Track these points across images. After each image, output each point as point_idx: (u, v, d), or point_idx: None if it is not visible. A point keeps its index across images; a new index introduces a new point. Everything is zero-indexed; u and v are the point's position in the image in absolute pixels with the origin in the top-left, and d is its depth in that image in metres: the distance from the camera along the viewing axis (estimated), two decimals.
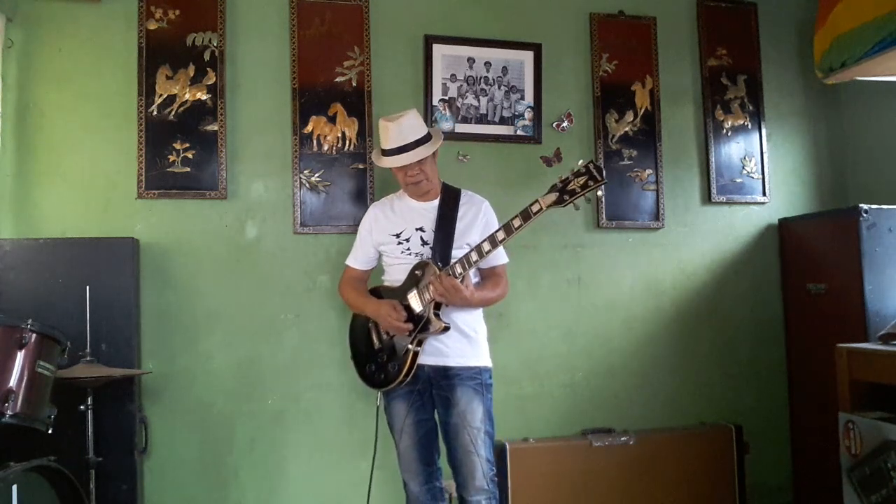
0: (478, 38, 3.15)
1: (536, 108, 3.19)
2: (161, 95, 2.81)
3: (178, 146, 2.82)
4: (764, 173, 3.48)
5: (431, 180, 2.42)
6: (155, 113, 2.81)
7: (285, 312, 2.93)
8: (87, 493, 2.27)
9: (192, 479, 2.81)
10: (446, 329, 2.29)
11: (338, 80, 2.99)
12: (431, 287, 2.26)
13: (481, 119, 3.15)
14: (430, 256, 2.35)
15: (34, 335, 2.03)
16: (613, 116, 3.29)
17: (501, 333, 3.05)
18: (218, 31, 2.87)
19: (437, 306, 2.31)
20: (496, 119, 3.16)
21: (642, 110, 3.33)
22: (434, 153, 2.42)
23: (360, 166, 2.99)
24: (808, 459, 3.34)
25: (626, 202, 3.29)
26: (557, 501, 3.00)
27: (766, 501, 3.35)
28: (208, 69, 2.85)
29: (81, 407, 2.33)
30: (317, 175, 2.95)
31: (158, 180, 2.80)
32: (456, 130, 3.07)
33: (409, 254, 2.40)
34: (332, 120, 2.97)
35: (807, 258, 3.33)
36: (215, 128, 2.85)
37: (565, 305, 3.23)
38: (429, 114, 3.07)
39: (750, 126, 3.48)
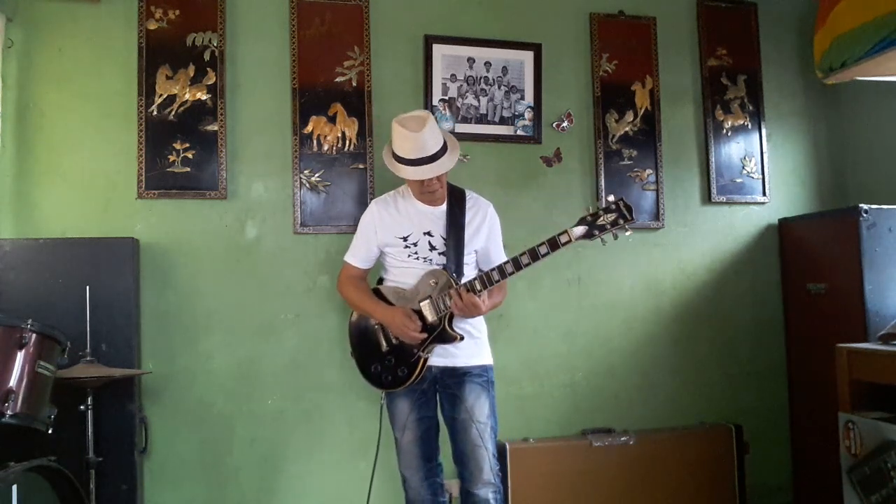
0: (478, 38, 3.15)
1: (536, 108, 3.19)
2: (161, 95, 2.81)
3: (178, 146, 2.82)
4: (764, 173, 3.48)
5: (445, 187, 2.42)
6: (155, 113, 2.81)
7: (285, 312, 2.93)
8: (87, 493, 2.27)
9: (192, 479, 2.81)
10: (461, 339, 2.32)
11: (338, 80, 2.99)
12: (451, 302, 2.27)
13: (481, 119, 3.15)
14: (440, 263, 2.36)
15: (34, 335, 2.03)
16: (613, 116, 3.29)
17: (501, 333, 3.05)
18: (218, 31, 2.87)
19: (451, 317, 2.32)
20: (496, 119, 3.16)
21: (642, 110, 3.33)
22: None
23: (360, 166, 2.99)
24: (808, 459, 3.34)
25: (626, 198, 3.27)
26: (557, 501, 3.00)
27: (766, 501, 3.35)
28: (208, 69, 2.85)
29: (81, 407, 2.33)
30: (317, 175, 2.95)
31: (158, 180, 2.80)
32: (456, 130, 3.07)
33: (417, 258, 2.39)
34: (332, 120, 2.97)
35: (807, 258, 3.33)
36: (215, 128, 2.85)
37: (565, 305, 3.23)
38: (429, 111, 3.06)
39: (750, 126, 3.49)
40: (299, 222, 2.93)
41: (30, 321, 2.02)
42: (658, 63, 3.36)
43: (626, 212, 2.22)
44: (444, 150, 2.32)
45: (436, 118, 3.02)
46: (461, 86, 3.12)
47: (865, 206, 3.00)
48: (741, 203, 3.46)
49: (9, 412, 1.95)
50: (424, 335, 2.30)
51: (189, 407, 2.81)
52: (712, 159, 3.41)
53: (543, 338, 3.19)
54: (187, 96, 2.83)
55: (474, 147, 3.13)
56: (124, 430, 2.57)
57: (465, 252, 2.38)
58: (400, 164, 2.31)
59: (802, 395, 3.37)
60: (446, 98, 3.10)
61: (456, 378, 2.36)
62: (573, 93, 3.28)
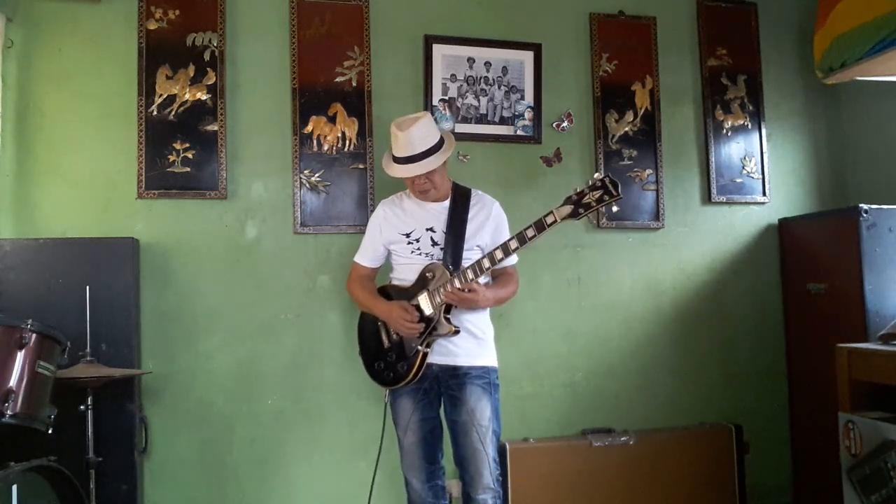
0: (478, 38, 3.15)
1: (536, 108, 3.19)
2: (161, 95, 2.81)
3: (178, 146, 2.82)
4: (764, 173, 3.48)
5: (439, 188, 2.42)
6: (155, 113, 2.81)
7: (285, 312, 2.93)
8: (87, 493, 2.27)
9: (192, 479, 2.81)
10: (456, 332, 2.31)
11: (338, 80, 2.99)
12: (443, 291, 2.27)
13: (481, 119, 3.15)
14: (440, 258, 2.36)
15: (34, 335, 2.03)
16: (613, 116, 3.29)
17: (501, 333, 3.02)
18: (218, 31, 2.87)
19: (448, 309, 2.32)
20: (496, 119, 3.16)
21: (642, 110, 3.33)
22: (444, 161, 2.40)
23: (361, 166, 2.99)
24: (808, 459, 3.34)
25: (626, 202, 3.28)
26: (557, 501, 3.00)
27: (766, 501, 3.35)
28: (208, 69, 2.85)
29: (81, 407, 2.33)
30: (317, 175, 2.95)
31: (158, 180, 2.80)
32: (456, 130, 3.07)
33: (420, 254, 2.40)
34: (332, 120, 2.97)
35: (807, 258, 3.33)
36: (215, 128, 2.85)
37: (565, 305, 3.23)
38: (429, 112, 3.06)
39: (750, 126, 3.48)
40: (299, 222, 2.93)
41: (30, 321, 2.02)
42: (658, 63, 3.36)
43: (611, 188, 2.16)
44: (435, 149, 2.33)
45: (436, 118, 3.05)
46: (461, 86, 3.12)
47: (865, 206, 3.00)
48: (741, 203, 3.46)
49: (9, 412, 1.95)
50: (421, 327, 2.30)
51: (189, 407, 2.81)
52: (712, 159, 3.41)
53: (543, 338, 3.19)
54: (187, 96, 2.83)
55: (474, 147, 3.13)
56: (124, 430, 2.57)
57: (465, 247, 2.37)
58: (392, 163, 2.37)
59: (802, 395, 3.37)
60: (446, 98, 3.10)
61: (457, 379, 2.36)
62: (573, 93, 3.28)
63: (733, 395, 3.40)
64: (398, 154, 2.34)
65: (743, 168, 3.46)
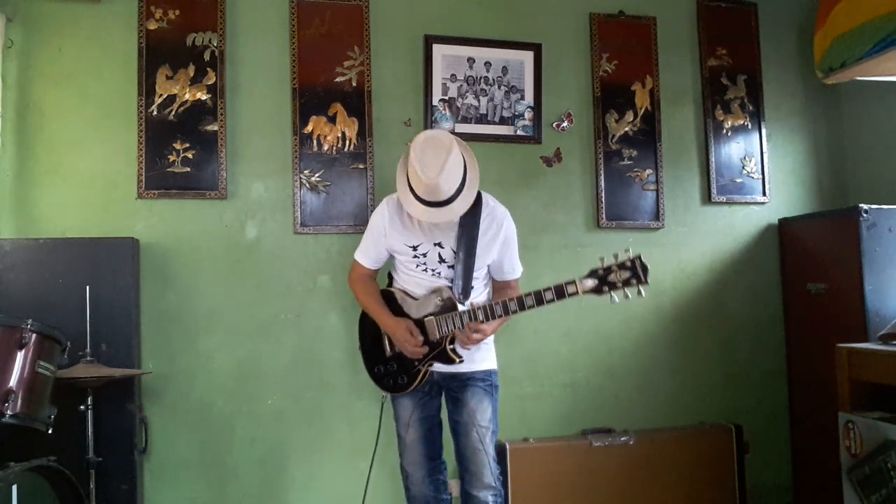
0: (478, 38, 3.15)
1: (536, 108, 3.19)
2: (161, 95, 2.81)
3: (178, 146, 2.82)
4: (764, 173, 3.48)
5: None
6: (155, 113, 2.81)
7: (285, 312, 2.93)
8: (87, 493, 2.27)
9: (192, 479, 2.81)
10: (460, 362, 2.29)
11: (338, 80, 2.99)
12: (452, 325, 2.23)
13: (481, 119, 3.15)
14: (450, 277, 2.30)
15: (34, 335, 2.03)
16: (613, 116, 3.29)
17: (502, 333, 3.01)
18: (218, 31, 2.87)
19: (453, 339, 2.29)
20: (496, 119, 3.16)
21: (642, 110, 3.33)
22: None
23: (361, 166, 2.99)
24: (808, 459, 3.34)
25: (626, 202, 3.29)
26: (557, 501, 3.00)
27: (766, 501, 3.35)
28: (208, 69, 2.85)
29: (81, 407, 2.33)
30: (317, 175, 2.95)
31: (158, 180, 2.80)
32: (456, 130, 3.07)
33: (426, 270, 2.34)
34: (332, 120, 2.97)
35: (807, 258, 3.33)
36: (215, 128, 2.85)
37: (565, 305, 3.20)
38: (428, 114, 3.07)
39: (750, 126, 3.48)
40: (299, 222, 2.93)
41: (30, 321, 2.02)
42: (658, 63, 3.36)
43: (641, 273, 2.08)
44: (461, 187, 2.18)
45: (435, 118, 3.04)
46: (461, 86, 3.12)
47: (865, 206, 3.00)
48: (741, 203, 3.46)
49: (9, 412, 1.95)
50: (425, 350, 2.29)
51: (189, 407, 2.81)
52: (712, 159, 3.41)
53: (543, 338, 3.19)
54: (187, 96, 2.83)
55: (474, 147, 3.05)
56: (124, 430, 2.57)
57: (476, 266, 2.31)
58: (411, 197, 2.20)
59: (802, 395, 3.37)
60: (446, 98, 3.10)
61: (459, 382, 2.36)
62: (573, 93, 3.28)
63: (733, 395, 3.40)
64: (421, 195, 2.16)
65: (743, 168, 3.46)
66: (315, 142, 2.96)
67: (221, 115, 2.86)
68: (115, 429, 2.53)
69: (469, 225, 2.30)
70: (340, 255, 2.92)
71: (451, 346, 2.28)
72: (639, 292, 2.10)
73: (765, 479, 3.37)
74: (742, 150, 3.46)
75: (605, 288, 2.13)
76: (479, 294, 2.38)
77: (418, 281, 2.35)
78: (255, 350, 2.89)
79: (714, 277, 3.42)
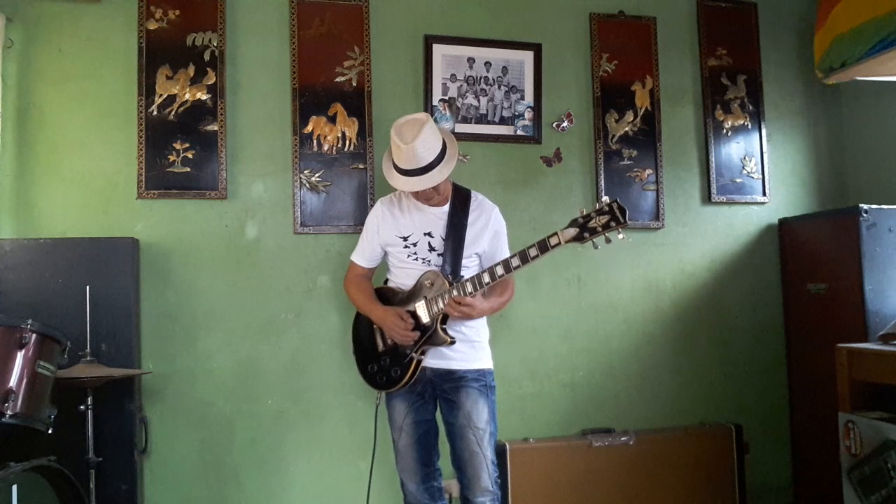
0: (478, 38, 3.15)
1: (536, 108, 3.19)
2: (161, 95, 2.81)
3: (178, 146, 2.82)
4: (764, 173, 3.48)
5: (443, 193, 2.37)
6: (155, 113, 2.81)
7: (285, 312, 2.93)
8: (87, 493, 2.27)
9: (192, 479, 2.81)
10: (452, 342, 2.29)
11: (338, 80, 2.99)
12: (442, 303, 2.25)
13: (481, 119, 3.15)
14: (439, 265, 2.34)
15: (34, 335, 2.03)
16: (613, 116, 3.29)
17: (501, 333, 3.05)
18: (218, 31, 2.87)
19: (445, 319, 2.30)
20: (496, 119, 3.16)
21: (642, 110, 3.33)
22: None
23: (361, 166, 2.99)
24: (808, 459, 3.34)
25: (626, 202, 3.22)
26: (557, 501, 3.00)
27: (766, 501, 3.35)
28: (208, 69, 2.85)
29: (81, 407, 2.33)
30: (317, 175, 2.95)
31: (158, 180, 2.80)
32: (456, 130, 3.07)
33: (416, 259, 2.38)
34: (332, 120, 2.97)
35: (807, 258, 3.33)
36: (215, 128, 2.85)
37: (565, 305, 3.23)
38: (428, 114, 3.06)
39: (750, 126, 3.48)
40: (299, 222, 2.93)
41: (30, 321, 2.02)
42: (658, 63, 3.36)
43: (619, 214, 2.10)
44: (439, 158, 2.25)
45: (435, 118, 3.04)
46: (461, 86, 3.12)
47: (865, 206, 3.00)
48: (741, 203, 3.46)
49: (9, 412, 1.95)
50: (416, 335, 2.30)
51: (189, 407, 2.81)
52: (712, 159, 3.41)
53: (543, 338, 3.19)
54: (187, 96, 2.83)
55: (474, 147, 3.13)
56: (124, 430, 2.58)
57: (464, 255, 2.35)
58: (394, 173, 2.29)
59: (802, 395, 3.37)
60: (446, 98, 3.10)
61: (453, 382, 2.34)
62: (573, 93, 3.28)
63: (733, 395, 3.40)
64: (401, 165, 2.25)
65: (743, 168, 3.46)
66: (315, 142, 2.96)
67: (221, 115, 2.86)
68: (115, 429, 2.53)
69: (458, 216, 2.37)
70: (340, 255, 2.92)
71: (442, 327, 2.29)
72: (619, 233, 2.13)
73: (765, 479, 3.37)
74: (742, 150, 3.46)
75: (586, 234, 2.14)
76: None
77: (409, 272, 2.38)
78: (255, 350, 2.89)
79: (714, 277, 3.42)
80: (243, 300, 2.88)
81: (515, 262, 2.21)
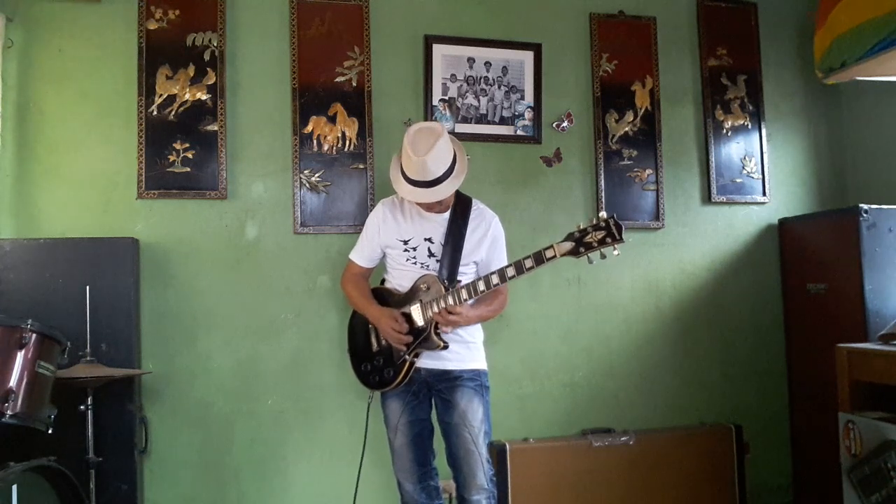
0: (478, 38, 3.15)
1: (536, 108, 3.19)
2: (161, 95, 2.81)
3: (178, 146, 2.82)
4: (764, 173, 3.48)
5: (445, 202, 2.37)
6: (155, 113, 2.81)
7: (285, 312, 2.93)
8: (87, 493, 2.27)
9: (192, 479, 2.81)
10: (445, 347, 2.30)
11: (338, 80, 2.99)
12: (437, 308, 2.26)
13: (481, 119, 3.15)
14: (436, 269, 2.35)
15: (34, 335, 2.03)
16: (613, 116, 3.29)
17: (501, 334, 3.05)
18: (218, 31, 2.87)
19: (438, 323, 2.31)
20: (496, 119, 3.16)
21: (642, 110, 3.33)
22: None
23: (361, 166, 2.99)
24: (808, 459, 3.34)
25: (626, 202, 3.29)
26: (557, 501, 3.00)
27: (766, 501, 3.35)
28: (208, 69, 2.85)
29: (81, 407, 2.33)
30: (317, 175, 2.95)
31: (158, 180, 2.80)
32: (456, 130, 3.07)
33: (415, 263, 2.38)
34: (332, 120, 2.97)
35: (807, 258, 3.33)
36: (215, 128, 2.85)
37: (565, 305, 3.23)
38: (428, 114, 3.07)
39: (750, 126, 3.48)
40: (299, 222, 2.93)
41: (30, 321, 2.03)
42: (658, 63, 3.36)
43: (615, 231, 2.11)
44: (448, 172, 2.26)
45: (435, 118, 3.04)
46: (461, 86, 3.12)
47: (865, 206, 3.00)
48: (741, 203, 3.46)
49: (9, 412, 1.95)
50: (409, 338, 2.30)
51: (189, 407, 2.81)
52: (712, 159, 3.41)
53: (543, 338, 3.19)
54: (187, 96, 2.83)
55: (474, 147, 3.12)
56: (124, 430, 2.58)
57: (462, 262, 2.36)
58: (402, 180, 2.30)
59: (802, 395, 3.37)
60: (446, 98, 3.10)
61: (448, 382, 2.35)
62: (573, 93, 3.28)
63: (733, 395, 3.40)
64: (410, 175, 2.25)
65: (743, 168, 3.46)
66: (315, 142, 2.96)
67: (221, 115, 2.86)
68: (115, 429, 2.53)
69: (458, 223, 2.38)
70: (340, 255, 2.92)
71: (437, 331, 2.30)
72: (614, 249, 2.13)
73: (765, 479, 3.37)
74: (742, 150, 3.46)
75: (582, 249, 2.15)
76: None
77: (407, 274, 2.39)
78: (254, 350, 2.89)
79: (714, 277, 3.42)
80: (243, 300, 2.88)
81: (510, 272, 2.22)
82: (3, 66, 2.66)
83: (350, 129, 2.98)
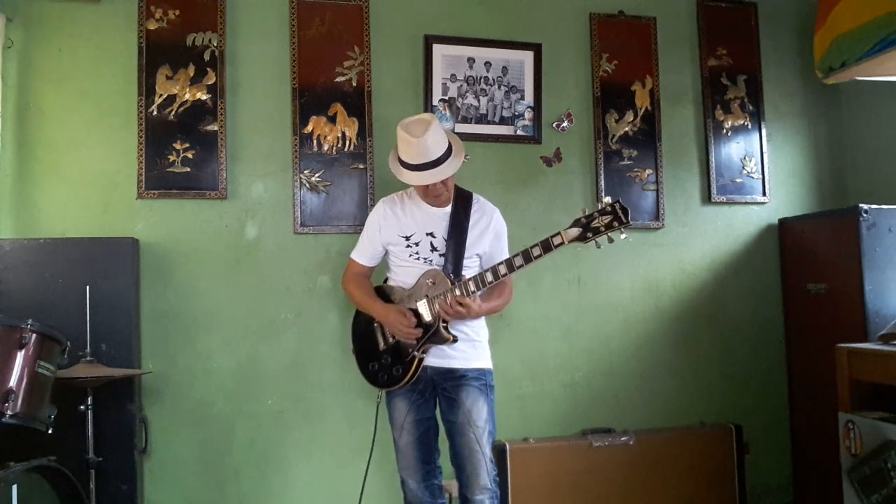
0: (478, 38, 3.15)
1: (536, 108, 3.19)
2: (161, 95, 2.81)
3: (178, 146, 2.82)
4: (764, 173, 3.48)
5: (450, 191, 2.40)
6: (155, 113, 2.81)
7: (285, 312, 2.93)
8: (87, 493, 2.27)
9: (192, 479, 2.81)
10: (455, 341, 2.31)
11: (338, 80, 2.99)
12: (440, 302, 2.26)
13: (481, 119, 3.15)
14: (439, 264, 2.35)
15: (34, 335, 2.03)
16: (613, 116, 3.29)
17: (502, 333, 3.05)
18: (218, 31, 2.87)
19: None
20: (496, 119, 3.16)
21: (642, 110, 3.33)
22: None
23: (361, 166, 2.99)
24: (808, 459, 3.34)
25: (626, 202, 3.17)
26: (557, 501, 3.00)
27: (766, 501, 3.35)
28: (208, 69, 2.85)
29: (81, 407, 2.33)
30: (317, 175, 2.95)
31: (158, 180, 2.80)
32: (456, 130, 3.07)
33: (418, 258, 2.39)
34: (332, 120, 2.97)
35: (807, 258, 3.33)
36: (215, 128, 2.85)
37: (565, 305, 3.23)
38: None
39: (750, 126, 3.48)
40: (299, 222, 2.93)
41: (30, 321, 2.02)
42: (658, 63, 3.36)
43: (621, 214, 2.15)
44: (447, 153, 2.29)
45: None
46: (461, 86, 3.12)
47: (865, 206, 3.00)
48: (741, 203, 3.46)
49: (9, 412, 1.95)
50: (419, 333, 2.30)
51: (189, 407, 2.81)
52: (712, 159, 3.41)
53: (543, 338, 3.19)
54: (187, 96, 2.83)
55: (474, 147, 3.12)
56: (124, 430, 2.58)
57: (466, 255, 2.36)
58: (403, 169, 2.31)
59: (802, 395, 3.37)
60: (446, 98, 3.10)
61: (453, 381, 2.36)
62: (573, 93, 3.28)
63: (733, 395, 3.40)
64: (411, 161, 2.27)
65: (743, 168, 3.46)
66: (315, 142, 2.96)
67: (221, 115, 2.86)
68: (115, 429, 2.53)
69: (460, 217, 2.39)
70: (340, 255, 2.92)
71: (444, 325, 2.30)
72: (621, 233, 2.17)
73: (765, 479, 3.37)
74: (742, 150, 3.46)
75: (589, 234, 2.18)
76: None
77: (412, 271, 2.39)
78: (254, 350, 2.89)
79: (714, 277, 3.42)
80: (243, 300, 2.88)
81: (518, 261, 2.23)
82: (3, 66, 2.66)
83: (350, 129, 2.98)
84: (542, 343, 3.19)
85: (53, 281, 2.52)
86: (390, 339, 2.40)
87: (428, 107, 3.07)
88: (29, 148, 2.73)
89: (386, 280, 2.53)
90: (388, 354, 2.40)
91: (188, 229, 2.85)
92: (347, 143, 2.98)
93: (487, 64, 3.15)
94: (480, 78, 3.15)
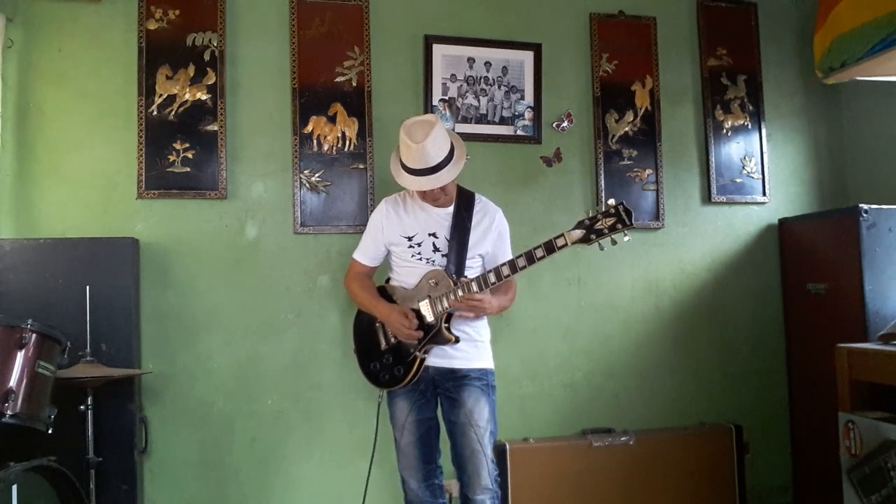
0: (478, 38, 3.15)
1: (536, 108, 3.19)
2: (161, 95, 2.81)
3: (178, 146, 2.82)
4: (764, 173, 3.48)
5: (450, 194, 2.39)
6: (155, 113, 2.81)
7: (285, 312, 2.93)
8: (87, 493, 2.28)
9: (192, 479, 2.81)
10: (456, 341, 2.31)
11: (338, 80, 2.99)
12: (450, 298, 2.27)
13: (481, 119, 3.15)
14: (442, 264, 2.35)
15: (34, 335, 2.03)
16: (613, 116, 3.29)
17: (502, 333, 3.05)
18: (218, 31, 2.87)
19: (448, 318, 2.32)
20: (496, 119, 3.16)
21: (642, 110, 3.33)
22: None
23: (361, 166, 2.99)
24: (808, 459, 3.34)
25: (626, 202, 3.25)
26: (557, 501, 3.00)
27: (766, 502, 3.35)
28: (208, 69, 2.85)
29: (81, 407, 2.33)
30: (317, 175, 2.95)
31: (158, 180, 2.80)
32: (456, 130, 3.07)
33: (420, 259, 2.39)
34: (332, 120, 2.97)
35: (807, 258, 3.33)
36: (215, 128, 2.85)
37: (565, 305, 3.23)
38: (428, 114, 3.06)
39: (750, 126, 3.48)
40: (299, 222, 2.93)
41: (30, 321, 2.03)
42: (658, 63, 3.36)
43: (625, 216, 2.15)
44: (448, 159, 2.27)
45: None
46: (461, 86, 3.12)
47: (865, 206, 3.00)
48: (741, 203, 3.46)
49: (9, 412, 1.95)
50: (420, 334, 2.30)
51: (189, 407, 2.81)
52: (712, 159, 3.41)
53: (543, 338, 3.19)
54: (187, 96, 2.83)
55: (474, 147, 3.11)
56: (124, 430, 2.58)
57: (468, 255, 2.36)
58: (402, 172, 2.31)
59: (802, 395, 3.37)
60: (446, 98, 3.10)
61: (455, 381, 2.36)
62: (573, 93, 3.28)
63: (733, 395, 3.40)
64: (410, 165, 2.26)
65: (743, 168, 3.46)
66: (315, 142, 2.96)
67: (221, 115, 2.86)
68: (115, 429, 2.53)
69: (462, 217, 2.38)
70: (340, 255, 2.92)
71: (446, 325, 2.30)
72: (625, 235, 2.17)
73: (765, 479, 3.37)
74: (742, 150, 3.47)
75: (593, 236, 2.18)
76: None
77: (414, 271, 2.39)
78: (254, 350, 2.89)
79: (714, 277, 3.42)
80: (243, 300, 2.88)
81: (522, 262, 2.23)
82: (3, 66, 2.66)
83: (350, 129, 2.98)
84: (542, 343, 3.19)
85: (53, 281, 2.52)
86: (392, 339, 2.40)
87: (428, 107, 3.07)
88: (29, 148, 2.73)
89: (388, 280, 2.53)
90: (389, 354, 2.40)
91: (188, 229, 2.85)
92: (347, 143, 2.98)
93: (487, 64, 3.15)
94: (480, 78, 3.15)
